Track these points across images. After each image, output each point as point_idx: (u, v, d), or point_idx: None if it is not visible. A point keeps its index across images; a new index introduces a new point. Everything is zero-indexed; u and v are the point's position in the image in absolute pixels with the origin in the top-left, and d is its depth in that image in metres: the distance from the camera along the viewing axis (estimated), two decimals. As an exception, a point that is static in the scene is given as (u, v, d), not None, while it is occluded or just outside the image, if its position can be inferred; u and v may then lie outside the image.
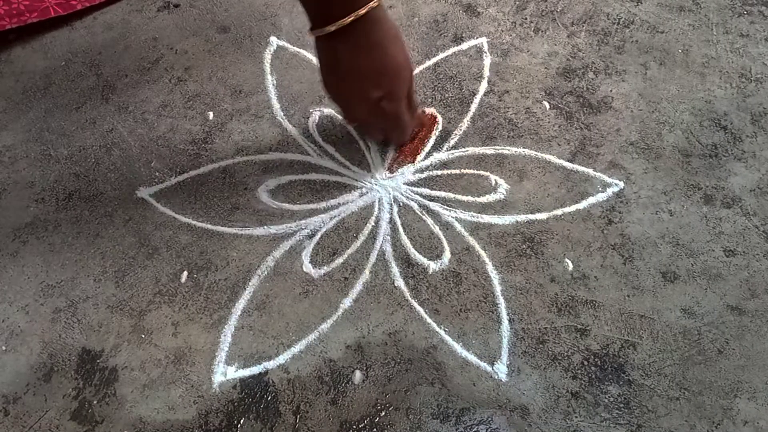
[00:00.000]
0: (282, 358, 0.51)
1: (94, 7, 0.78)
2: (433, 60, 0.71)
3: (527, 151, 0.63)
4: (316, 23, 0.51)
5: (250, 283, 0.55)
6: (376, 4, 0.49)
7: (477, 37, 0.73)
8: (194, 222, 0.59)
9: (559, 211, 0.59)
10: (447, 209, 0.59)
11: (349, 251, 0.57)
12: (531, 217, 0.58)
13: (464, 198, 0.60)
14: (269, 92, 0.69)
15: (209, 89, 0.70)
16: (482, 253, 0.56)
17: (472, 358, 0.51)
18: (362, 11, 0.49)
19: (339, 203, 0.60)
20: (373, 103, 0.55)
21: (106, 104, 0.69)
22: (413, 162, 0.63)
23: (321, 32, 0.50)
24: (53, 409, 0.49)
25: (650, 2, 0.75)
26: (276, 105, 0.68)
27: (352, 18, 0.49)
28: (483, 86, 0.68)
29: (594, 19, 0.74)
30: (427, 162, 0.63)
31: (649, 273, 0.55)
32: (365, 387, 0.50)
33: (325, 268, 0.56)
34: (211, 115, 0.68)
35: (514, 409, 0.48)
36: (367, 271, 0.56)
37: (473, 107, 0.67)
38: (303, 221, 0.59)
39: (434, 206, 0.60)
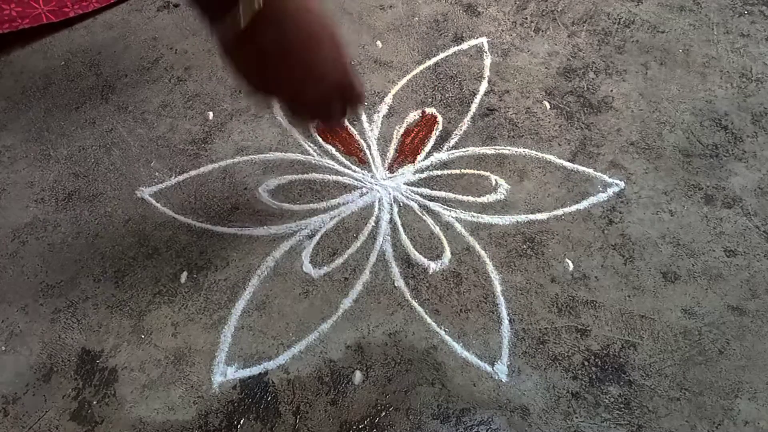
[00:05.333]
0: (282, 359, 0.51)
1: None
2: (434, 60, 0.71)
3: (527, 151, 0.63)
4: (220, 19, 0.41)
5: (250, 284, 0.55)
6: None
7: (477, 37, 0.73)
8: (194, 222, 0.59)
9: (559, 211, 0.59)
10: (447, 209, 0.59)
11: (349, 251, 0.57)
12: (531, 217, 0.58)
13: (464, 198, 0.60)
14: (269, 92, 0.69)
15: (209, 89, 0.70)
16: (482, 253, 0.56)
17: (472, 358, 0.51)
18: None
19: (339, 203, 0.60)
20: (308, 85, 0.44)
21: (105, 104, 0.69)
22: (413, 162, 0.63)
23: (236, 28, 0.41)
24: (53, 410, 0.49)
25: (651, 2, 0.75)
26: (276, 104, 0.67)
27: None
28: (483, 86, 0.68)
29: (594, 19, 0.74)
30: (427, 162, 0.63)
31: (650, 273, 0.54)
32: (365, 387, 0.50)
33: (325, 268, 0.56)
34: (211, 115, 0.68)
35: (515, 409, 0.48)
36: (367, 272, 0.56)
37: (473, 107, 0.67)
38: (303, 221, 0.59)
39: (434, 206, 0.59)
